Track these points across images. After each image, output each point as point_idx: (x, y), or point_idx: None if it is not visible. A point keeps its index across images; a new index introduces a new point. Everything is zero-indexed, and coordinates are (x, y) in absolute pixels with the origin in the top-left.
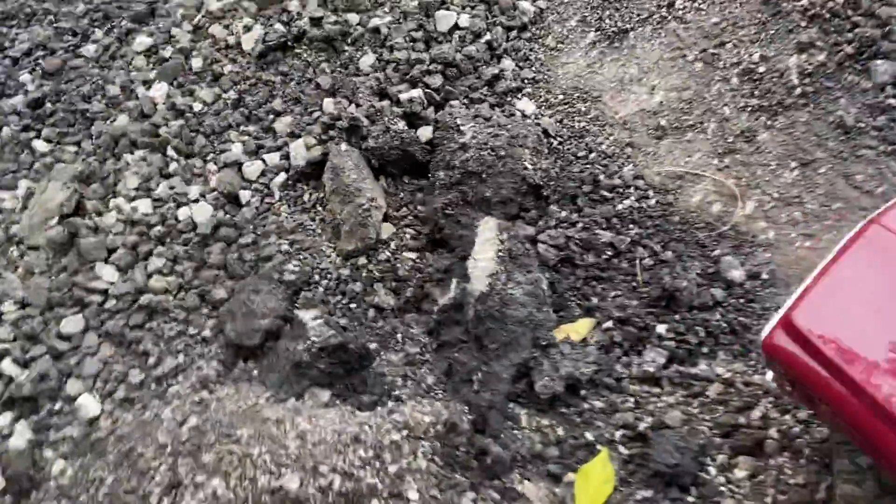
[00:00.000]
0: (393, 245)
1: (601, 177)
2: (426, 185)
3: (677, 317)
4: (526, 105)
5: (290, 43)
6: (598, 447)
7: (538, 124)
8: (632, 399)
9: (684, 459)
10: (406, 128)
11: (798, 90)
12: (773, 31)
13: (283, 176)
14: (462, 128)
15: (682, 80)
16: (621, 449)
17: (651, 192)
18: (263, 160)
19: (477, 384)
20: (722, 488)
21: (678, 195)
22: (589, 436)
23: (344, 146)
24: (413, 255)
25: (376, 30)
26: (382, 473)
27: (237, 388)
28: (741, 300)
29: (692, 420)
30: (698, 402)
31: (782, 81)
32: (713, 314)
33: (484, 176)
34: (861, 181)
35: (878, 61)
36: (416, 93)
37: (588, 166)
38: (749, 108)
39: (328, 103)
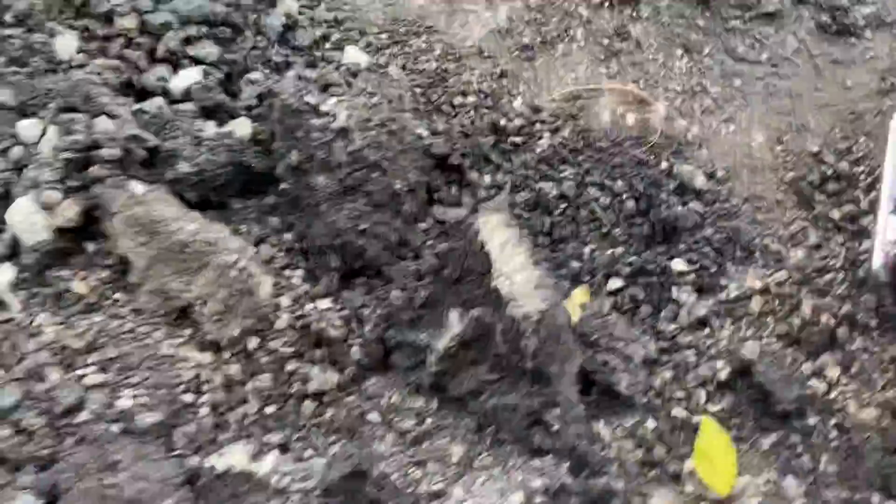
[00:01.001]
0: (286, 301)
1: (501, 122)
2: (280, 203)
3: (682, 246)
4: (355, 55)
5: None
6: (696, 420)
7: (384, 75)
8: (691, 351)
9: (797, 385)
10: (223, 130)
11: None
12: None
13: (9, 270)
14: (322, 106)
15: None
16: (711, 408)
17: (559, 123)
18: None
19: (557, 423)
20: (832, 395)
21: (587, 117)
22: (680, 413)
23: (140, 186)
24: (327, 303)
25: None
26: None
27: None
28: (716, 205)
29: (761, 340)
30: (747, 322)
31: None
32: (705, 228)
33: (385, 164)
34: (744, 53)
35: None
36: (194, 74)
37: (473, 113)
38: (607, 3)
39: (27, 127)
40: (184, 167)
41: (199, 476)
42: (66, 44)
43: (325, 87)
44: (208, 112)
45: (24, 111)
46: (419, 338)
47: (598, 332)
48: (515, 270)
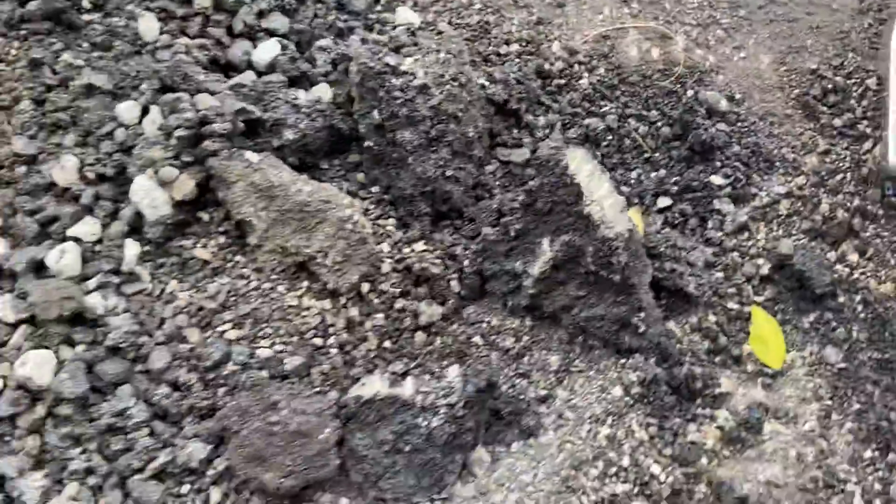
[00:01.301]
0: (386, 247)
1: (545, 66)
2: (364, 160)
3: (717, 163)
4: (406, 15)
5: None
6: (747, 310)
7: (441, 32)
8: (736, 253)
9: (828, 271)
10: (312, 96)
11: None
12: None
13: (134, 244)
14: (402, 66)
15: None
16: (758, 299)
17: (593, 62)
18: (74, 238)
19: (643, 325)
20: (855, 276)
21: (617, 55)
22: (734, 306)
23: (254, 156)
24: (422, 246)
25: None
26: None
27: None
28: (738, 124)
29: (791, 237)
30: (776, 223)
31: None
32: (733, 146)
33: (460, 115)
34: None
35: None
36: (272, 46)
37: (518, 60)
38: None
39: (127, 110)
40: (289, 134)
41: (346, 405)
42: (150, 25)
43: (397, 49)
44: (292, 81)
45: (115, 94)
46: (514, 266)
47: (663, 245)
48: (603, 197)
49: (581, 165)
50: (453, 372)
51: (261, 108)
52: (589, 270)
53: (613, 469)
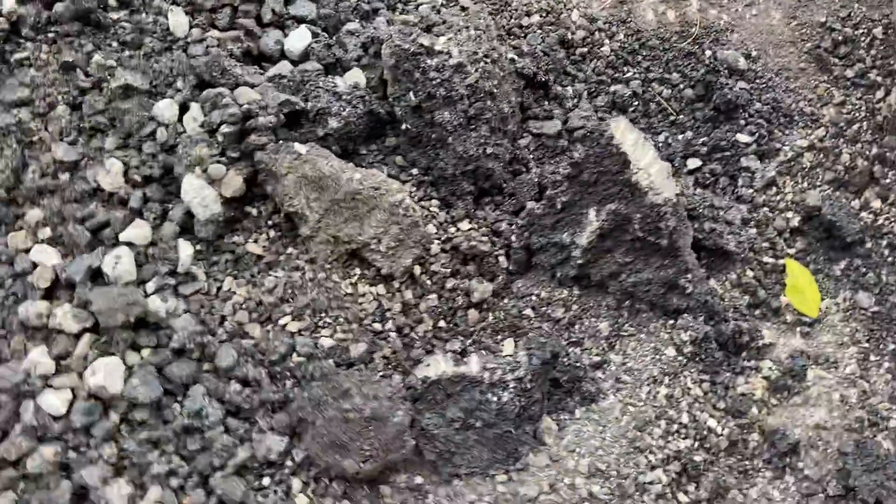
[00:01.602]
0: (432, 228)
1: (568, 35)
2: (401, 143)
3: (742, 121)
4: None
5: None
6: (780, 262)
7: (465, 8)
8: (767, 209)
9: (855, 219)
10: (350, 82)
11: None
12: None
13: (188, 245)
14: (436, 46)
15: None
16: (791, 251)
17: (613, 28)
18: (126, 242)
19: (690, 286)
20: (879, 222)
21: (634, 20)
22: (768, 260)
23: (302, 147)
24: (467, 224)
25: None
26: None
27: None
28: (757, 81)
29: (816, 189)
30: (801, 176)
31: None
32: (754, 103)
33: (495, 91)
34: None
35: None
36: (303, 34)
37: (540, 31)
38: None
39: (165, 108)
40: (333, 123)
41: (413, 387)
42: (180, 21)
43: (428, 28)
44: (326, 68)
45: (151, 93)
46: (562, 238)
47: (700, 206)
48: (650, 164)
49: (625, 135)
50: (509, 346)
51: (302, 99)
52: (636, 237)
53: (675, 426)
